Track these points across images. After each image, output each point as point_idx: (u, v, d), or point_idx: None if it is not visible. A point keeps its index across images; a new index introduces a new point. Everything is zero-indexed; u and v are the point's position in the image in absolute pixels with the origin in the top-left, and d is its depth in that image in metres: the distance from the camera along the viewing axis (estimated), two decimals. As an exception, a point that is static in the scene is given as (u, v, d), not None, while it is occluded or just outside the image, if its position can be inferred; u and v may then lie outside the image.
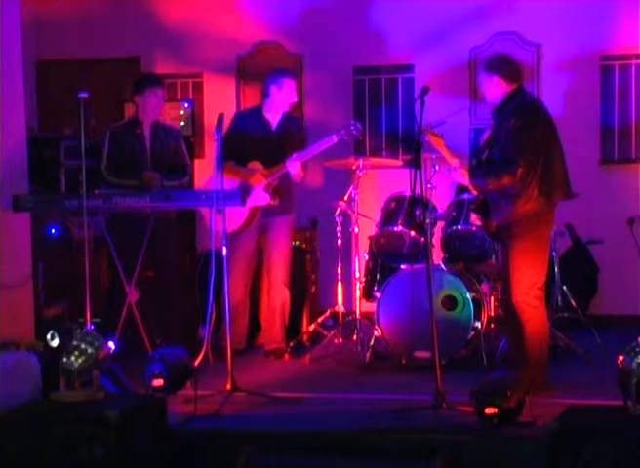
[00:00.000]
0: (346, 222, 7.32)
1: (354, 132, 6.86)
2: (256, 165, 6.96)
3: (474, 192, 5.83)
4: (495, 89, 5.85)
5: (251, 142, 7.00)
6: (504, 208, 5.75)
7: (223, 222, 5.80)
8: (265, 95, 7.10)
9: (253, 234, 7.06)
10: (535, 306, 5.79)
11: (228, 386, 5.64)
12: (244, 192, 6.19)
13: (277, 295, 7.13)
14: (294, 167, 6.85)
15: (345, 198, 7.18)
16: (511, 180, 5.64)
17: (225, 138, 7.03)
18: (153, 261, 6.83)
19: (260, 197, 6.85)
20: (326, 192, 8.06)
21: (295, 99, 7.14)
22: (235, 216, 6.65)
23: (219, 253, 5.85)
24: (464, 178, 5.76)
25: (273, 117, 7.10)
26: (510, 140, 5.68)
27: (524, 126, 5.70)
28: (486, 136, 6.04)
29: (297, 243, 7.63)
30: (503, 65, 5.91)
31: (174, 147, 6.96)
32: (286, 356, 7.07)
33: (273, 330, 7.16)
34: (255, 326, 7.38)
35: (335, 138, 6.86)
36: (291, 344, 7.19)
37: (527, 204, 5.70)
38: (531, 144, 5.69)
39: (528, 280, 5.76)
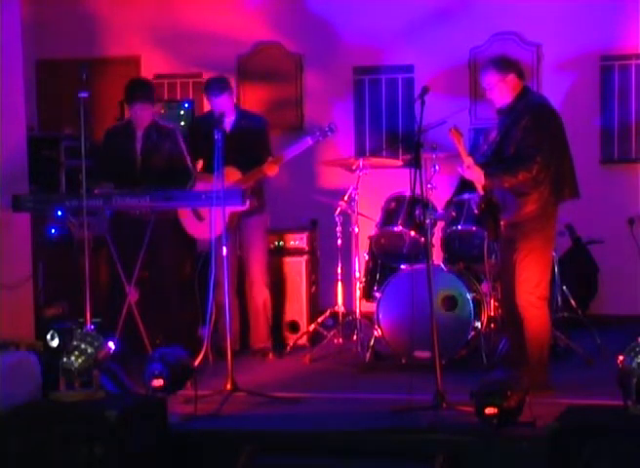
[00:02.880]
0: (346, 222, 7.32)
1: (329, 133, 6.89)
2: (231, 170, 6.91)
3: (480, 191, 5.83)
4: (508, 87, 5.83)
5: (210, 146, 6.95)
6: (515, 206, 5.75)
7: (214, 224, 5.82)
8: None
9: (231, 236, 7.03)
10: (538, 306, 5.80)
11: (228, 386, 5.64)
12: (244, 192, 6.18)
13: (258, 295, 7.13)
14: (272, 171, 6.88)
15: (345, 198, 7.17)
16: (527, 177, 5.64)
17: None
18: (152, 261, 6.81)
19: None
20: (326, 192, 8.05)
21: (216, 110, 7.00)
22: (218, 222, 6.61)
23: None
24: (479, 176, 5.73)
25: (226, 119, 7.03)
26: (525, 138, 5.68)
27: (539, 124, 5.72)
28: (492, 135, 6.04)
29: (296, 242, 7.62)
30: (514, 63, 5.96)
31: (169, 149, 6.91)
32: (270, 355, 7.09)
33: (257, 329, 7.16)
34: (247, 326, 7.35)
35: (310, 141, 6.88)
36: (291, 343, 7.25)
37: (538, 202, 5.71)
38: (545, 142, 5.70)
39: (534, 279, 5.76)
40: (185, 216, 6.88)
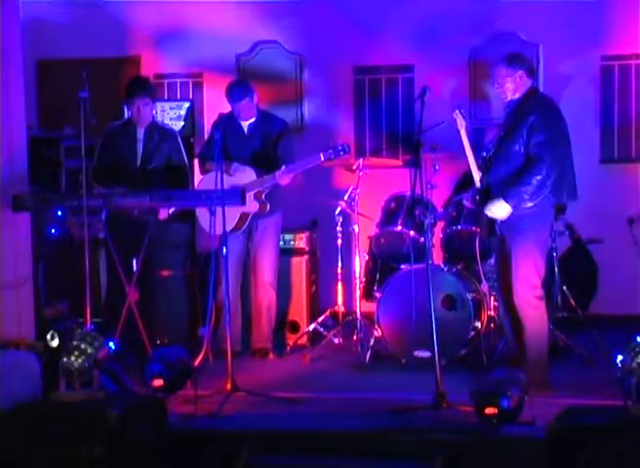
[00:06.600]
0: (346, 222, 7.32)
1: (341, 153, 6.84)
2: (247, 171, 6.91)
3: (477, 184, 5.84)
4: (516, 84, 5.86)
5: (228, 146, 6.92)
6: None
7: (214, 223, 5.82)
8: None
9: (240, 236, 7.03)
10: (535, 306, 5.80)
11: (228, 386, 5.64)
12: (244, 192, 6.18)
13: (263, 296, 7.11)
14: (284, 180, 6.85)
15: (345, 198, 7.18)
16: (539, 178, 5.64)
17: (208, 141, 7.04)
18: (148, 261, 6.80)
19: (249, 204, 6.75)
20: (326, 192, 8.06)
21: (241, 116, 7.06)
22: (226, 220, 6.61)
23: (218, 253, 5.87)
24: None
25: (247, 121, 7.07)
26: (533, 137, 5.70)
27: (547, 123, 5.75)
28: (493, 134, 6.05)
29: (296, 242, 7.62)
30: (525, 61, 6.00)
31: (169, 151, 6.91)
32: (270, 355, 7.08)
33: (259, 329, 7.14)
34: (250, 328, 7.34)
35: (322, 157, 6.83)
36: (291, 343, 7.27)
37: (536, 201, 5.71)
38: (552, 141, 5.72)
39: (530, 279, 5.77)
40: (201, 211, 6.87)
